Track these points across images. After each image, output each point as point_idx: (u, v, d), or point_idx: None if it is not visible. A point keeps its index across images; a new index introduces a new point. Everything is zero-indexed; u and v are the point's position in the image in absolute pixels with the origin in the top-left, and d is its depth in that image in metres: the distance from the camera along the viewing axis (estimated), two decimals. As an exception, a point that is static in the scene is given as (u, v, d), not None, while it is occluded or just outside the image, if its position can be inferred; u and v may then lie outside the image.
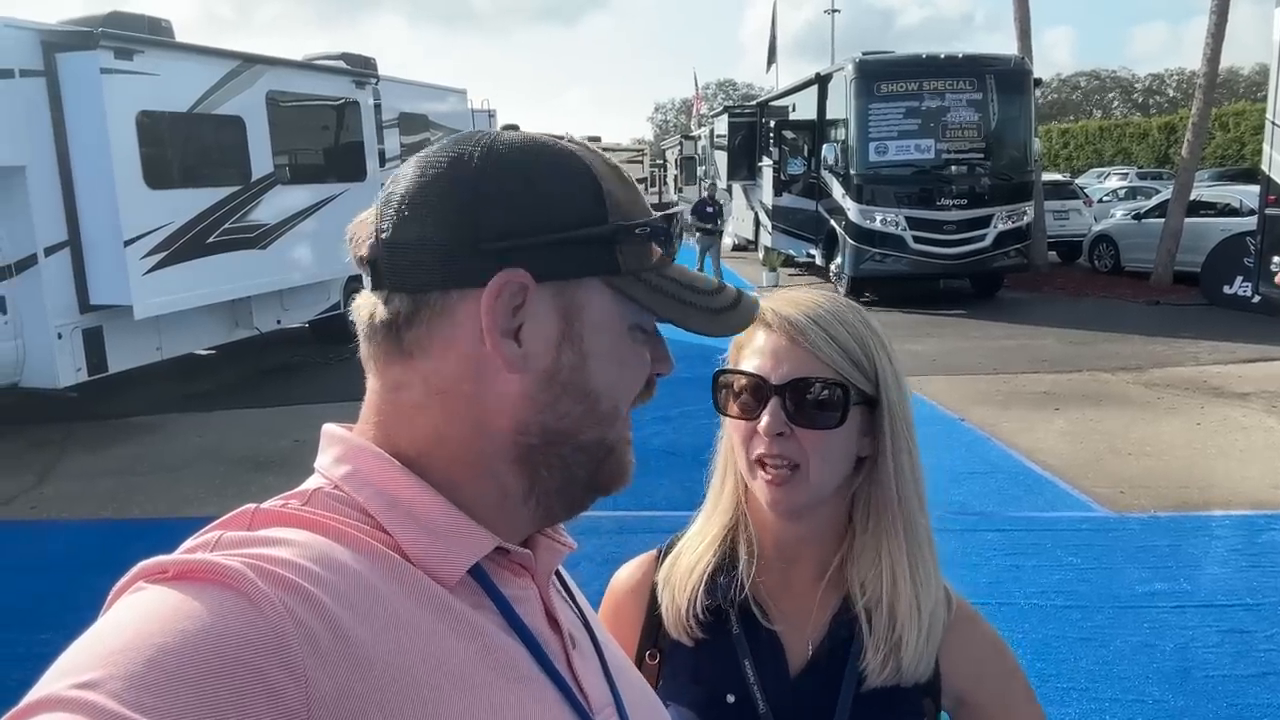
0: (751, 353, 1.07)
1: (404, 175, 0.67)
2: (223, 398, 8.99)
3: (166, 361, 8.96)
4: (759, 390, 1.05)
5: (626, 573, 1.22)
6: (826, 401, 1.02)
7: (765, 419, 1.03)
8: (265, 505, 0.63)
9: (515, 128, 0.72)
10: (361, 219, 0.69)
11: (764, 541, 1.11)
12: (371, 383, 0.69)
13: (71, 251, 7.78)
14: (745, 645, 1.07)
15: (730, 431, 1.12)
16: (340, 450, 0.67)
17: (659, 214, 0.71)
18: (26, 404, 8.11)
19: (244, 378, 10.03)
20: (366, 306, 0.68)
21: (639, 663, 1.12)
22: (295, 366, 10.28)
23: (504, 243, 0.63)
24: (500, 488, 0.67)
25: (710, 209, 16.01)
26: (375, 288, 0.66)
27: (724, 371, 1.10)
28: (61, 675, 0.48)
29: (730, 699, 1.06)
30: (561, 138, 0.70)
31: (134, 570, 0.55)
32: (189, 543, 0.58)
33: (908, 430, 1.07)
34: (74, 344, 7.84)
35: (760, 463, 1.05)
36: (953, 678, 1.09)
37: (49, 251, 7.63)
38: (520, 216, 0.64)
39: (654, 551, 1.21)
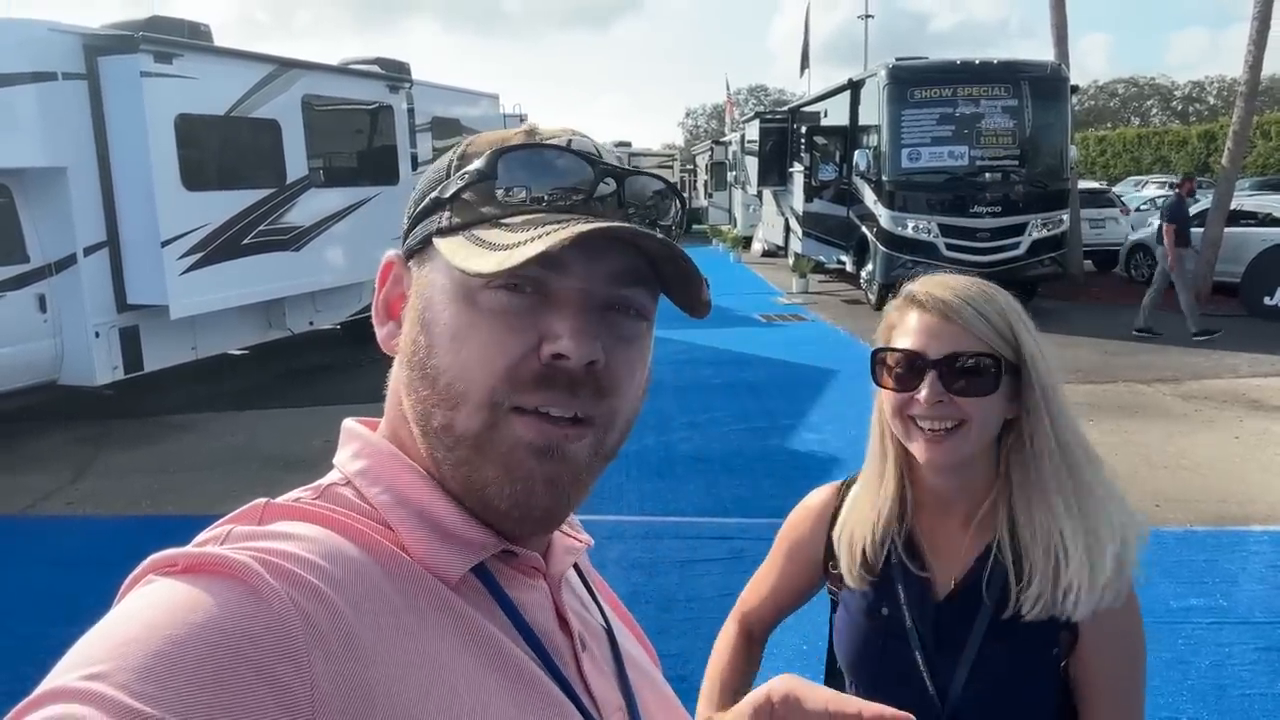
0: (904, 332, 1.22)
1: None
2: (255, 398, 9.08)
3: (201, 361, 9.08)
4: (916, 364, 1.19)
5: (810, 506, 1.43)
6: (981, 370, 1.17)
7: (925, 390, 1.17)
8: (277, 500, 0.63)
9: (522, 118, 0.71)
10: None
11: (921, 496, 1.30)
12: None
13: (110, 251, 7.92)
14: (901, 574, 1.28)
15: (885, 402, 1.25)
16: (357, 446, 0.68)
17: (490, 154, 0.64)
18: (64, 401, 8.25)
19: (276, 378, 10.13)
20: None
21: (826, 570, 1.37)
22: (327, 368, 10.37)
23: (406, 229, 0.68)
24: (470, 484, 0.64)
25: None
26: None
27: (883, 349, 1.23)
28: (71, 667, 0.48)
29: (884, 611, 1.28)
30: (558, 134, 0.68)
31: (144, 563, 0.56)
32: (201, 536, 0.59)
33: (1055, 393, 1.20)
34: (111, 343, 7.97)
35: (917, 425, 1.20)
36: (1090, 648, 1.21)
37: (88, 251, 7.76)
38: (412, 201, 0.69)
39: (832, 488, 1.42)
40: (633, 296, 0.64)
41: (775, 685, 0.70)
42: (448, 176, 0.66)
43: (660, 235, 0.62)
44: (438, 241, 0.64)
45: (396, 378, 0.68)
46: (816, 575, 1.42)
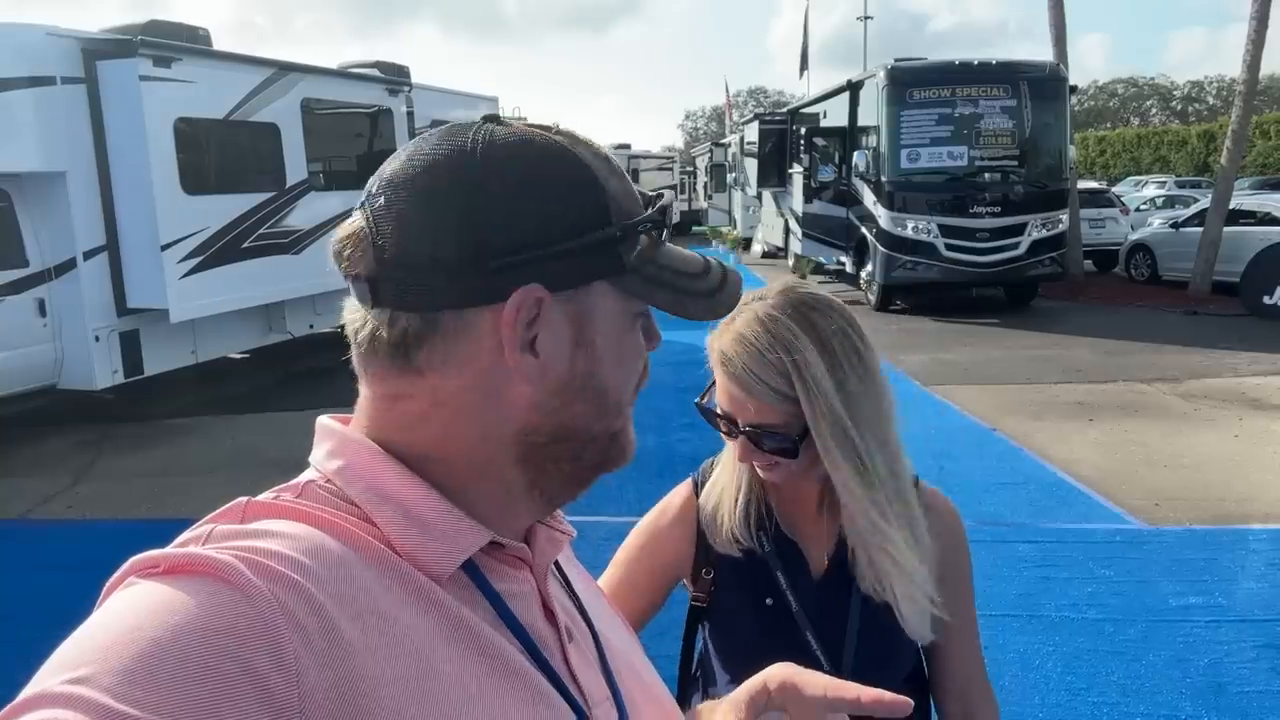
0: (720, 388, 1.27)
1: (398, 184, 0.65)
2: (255, 401, 9.09)
3: (201, 365, 9.09)
4: (729, 425, 1.27)
5: (671, 505, 1.44)
6: (780, 440, 1.23)
7: (739, 448, 1.27)
8: (257, 498, 0.63)
9: (496, 119, 0.68)
10: (351, 233, 0.66)
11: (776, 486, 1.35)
12: (365, 390, 0.69)
13: (110, 255, 7.92)
14: (776, 559, 1.32)
15: None
16: (334, 444, 0.67)
17: (653, 205, 0.70)
18: (64, 405, 8.26)
19: (276, 382, 10.14)
20: (364, 323, 0.66)
21: (695, 578, 1.38)
22: (327, 371, 10.36)
23: (515, 257, 0.62)
24: (503, 486, 0.67)
25: None
26: (376, 305, 0.64)
27: (706, 408, 1.31)
28: (54, 671, 0.48)
29: (769, 601, 1.31)
30: (550, 130, 0.69)
31: (126, 565, 0.56)
32: (182, 536, 0.59)
33: (837, 419, 1.22)
34: (111, 346, 7.98)
35: None
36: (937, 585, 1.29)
37: (88, 255, 7.77)
38: (528, 229, 0.63)
39: (689, 483, 1.44)
40: None
41: (772, 673, 0.72)
42: (602, 216, 0.66)
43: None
44: (618, 281, 0.67)
45: (497, 399, 0.65)
46: (671, 584, 1.43)
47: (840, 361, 1.22)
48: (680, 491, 1.44)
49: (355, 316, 0.67)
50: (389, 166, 0.67)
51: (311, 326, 10.37)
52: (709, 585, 1.37)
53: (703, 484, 1.42)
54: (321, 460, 0.67)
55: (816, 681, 0.70)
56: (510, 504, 0.68)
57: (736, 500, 1.35)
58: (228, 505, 0.62)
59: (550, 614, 0.70)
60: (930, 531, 1.29)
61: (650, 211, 0.69)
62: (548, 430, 0.67)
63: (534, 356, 0.64)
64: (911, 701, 0.71)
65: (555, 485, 0.70)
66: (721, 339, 1.26)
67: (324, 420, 0.70)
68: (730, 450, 1.34)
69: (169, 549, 0.56)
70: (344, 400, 0.70)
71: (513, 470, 0.67)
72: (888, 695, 0.70)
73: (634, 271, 0.67)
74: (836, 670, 1.27)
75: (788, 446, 1.23)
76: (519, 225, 0.63)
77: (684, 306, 0.70)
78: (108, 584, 0.56)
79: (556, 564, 0.79)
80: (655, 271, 0.69)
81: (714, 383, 1.29)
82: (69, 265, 7.72)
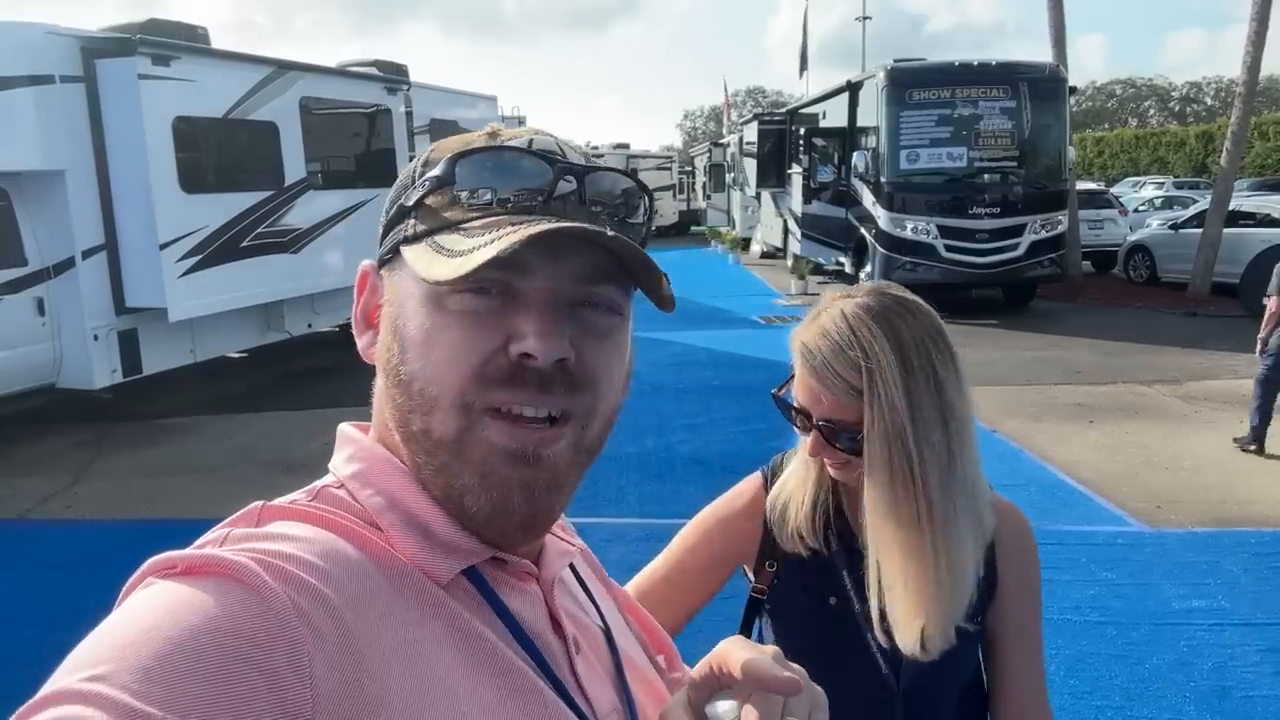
0: (798, 380, 1.28)
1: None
2: (254, 400, 9.08)
3: (200, 364, 9.08)
4: (804, 418, 1.27)
5: (740, 497, 1.44)
6: (851, 439, 1.22)
7: (810, 444, 1.27)
8: (273, 502, 0.64)
9: (521, 120, 0.71)
10: None
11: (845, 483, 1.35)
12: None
13: (108, 254, 7.91)
14: (843, 559, 1.32)
15: None
16: (351, 450, 0.69)
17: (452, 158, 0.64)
18: (63, 404, 8.24)
19: (275, 381, 10.12)
20: None
21: (758, 570, 1.38)
22: (325, 370, 10.36)
23: (380, 237, 0.68)
24: (449, 491, 0.64)
25: None
26: None
27: (783, 401, 1.32)
28: (73, 669, 0.49)
29: (833, 600, 1.32)
30: (493, 133, 0.68)
31: (144, 566, 0.56)
32: (200, 540, 0.59)
33: (897, 429, 1.19)
34: (110, 345, 7.97)
35: None
36: (1004, 599, 1.32)
37: (86, 254, 7.76)
38: (384, 209, 0.68)
39: (759, 476, 1.44)
40: (602, 293, 0.64)
41: (714, 651, 0.69)
42: (412, 184, 0.66)
43: (612, 232, 0.61)
44: (405, 250, 0.64)
45: (378, 385, 0.69)
46: (730, 574, 1.44)
47: (915, 370, 1.20)
48: (750, 484, 1.44)
49: None
50: None
51: (310, 326, 10.37)
52: (770, 578, 1.37)
53: (773, 478, 1.41)
54: (340, 466, 0.69)
55: (740, 656, 0.64)
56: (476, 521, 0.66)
57: (805, 498, 1.35)
58: (244, 509, 0.63)
59: (558, 625, 0.70)
60: (999, 544, 1.31)
61: (436, 168, 0.64)
62: (394, 424, 0.66)
63: (375, 336, 0.68)
64: (799, 683, 0.63)
65: (457, 513, 0.63)
66: (806, 331, 1.26)
67: (344, 427, 0.71)
68: (803, 446, 1.33)
69: (186, 550, 0.56)
70: (343, 400, 0.70)
71: (432, 481, 0.65)
72: (783, 674, 0.60)
73: (426, 239, 0.63)
74: (895, 675, 1.29)
75: (858, 445, 1.22)
76: (385, 212, 0.69)
77: (431, 265, 0.61)
78: (126, 584, 0.57)
79: (577, 576, 0.79)
80: (447, 238, 0.62)
81: (793, 375, 1.29)
82: (68, 264, 7.70)
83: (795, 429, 1.31)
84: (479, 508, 0.62)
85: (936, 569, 1.20)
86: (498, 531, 0.64)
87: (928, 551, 1.19)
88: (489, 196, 0.63)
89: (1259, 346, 6.84)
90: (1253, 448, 6.56)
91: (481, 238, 0.60)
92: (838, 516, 1.34)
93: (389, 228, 0.68)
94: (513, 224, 0.60)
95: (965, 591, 1.22)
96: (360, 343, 0.70)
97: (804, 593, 1.34)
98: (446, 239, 0.62)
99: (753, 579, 1.40)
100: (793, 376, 1.30)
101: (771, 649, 0.66)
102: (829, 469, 1.30)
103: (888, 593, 1.23)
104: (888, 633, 1.24)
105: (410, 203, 0.65)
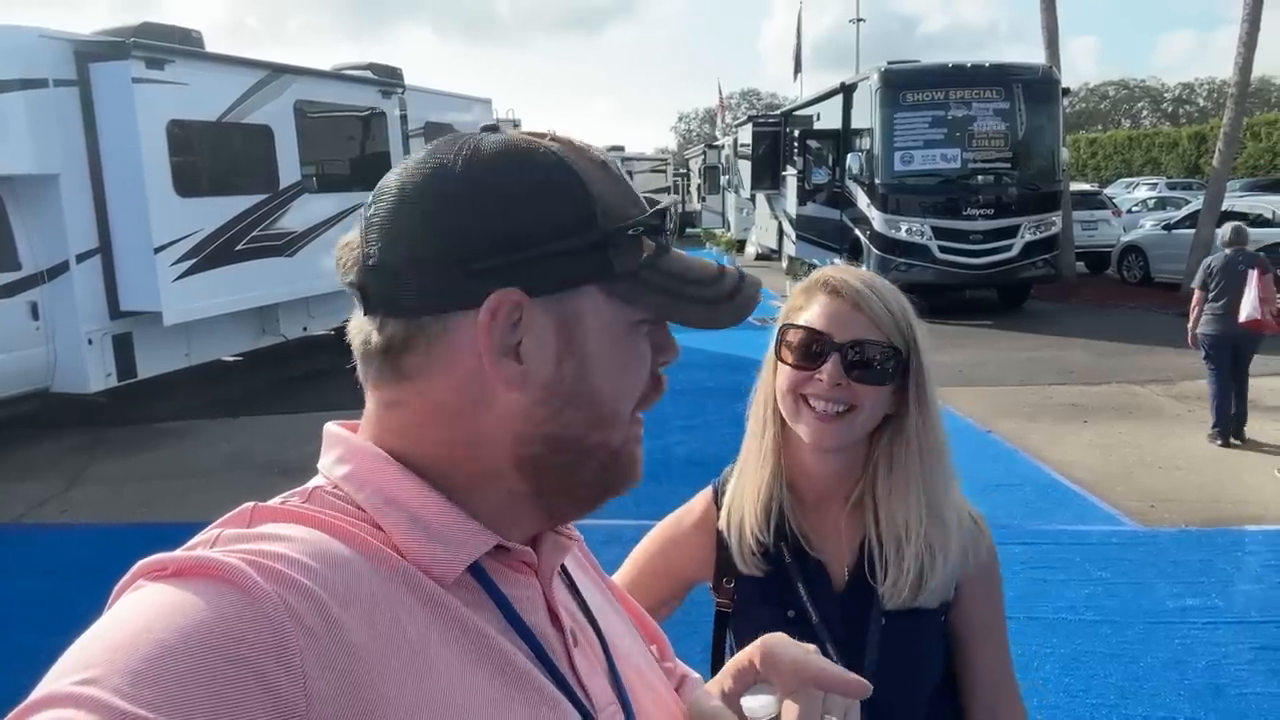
0: (812, 314, 1.26)
1: (386, 193, 0.65)
2: (249, 404, 9.07)
3: (195, 367, 9.06)
4: (821, 345, 1.24)
5: (690, 514, 1.45)
6: (881, 360, 1.23)
7: (827, 370, 1.22)
8: (264, 504, 0.64)
9: (495, 128, 0.70)
10: (347, 242, 0.67)
11: (799, 485, 1.35)
12: (367, 397, 0.70)
13: (103, 258, 7.89)
14: (797, 571, 1.32)
15: (779, 378, 1.29)
16: (341, 450, 0.68)
17: (651, 209, 0.69)
18: (57, 409, 8.22)
19: (270, 384, 10.11)
20: (360, 331, 0.67)
21: (718, 587, 1.38)
22: (321, 373, 10.34)
23: (495, 260, 0.62)
24: (508, 491, 0.67)
25: None
26: (367, 313, 0.66)
27: (791, 326, 1.27)
28: (64, 673, 0.49)
29: (790, 614, 1.31)
30: (544, 136, 0.68)
31: (135, 568, 0.56)
32: (190, 541, 0.59)
33: (932, 397, 1.28)
34: (104, 349, 7.95)
35: (809, 404, 1.25)
36: (967, 600, 1.33)
37: (80, 258, 7.74)
38: (509, 232, 0.63)
39: (709, 491, 1.44)
40: None
41: (757, 645, 0.71)
42: (590, 213, 0.64)
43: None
44: (601, 284, 0.66)
45: (486, 405, 0.65)
46: (688, 588, 1.44)
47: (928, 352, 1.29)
48: (700, 499, 1.45)
49: (355, 324, 0.68)
50: (386, 175, 0.68)
51: (305, 329, 10.35)
52: (731, 594, 1.38)
53: (722, 492, 1.41)
54: (329, 466, 0.68)
55: (790, 654, 0.70)
56: (514, 511, 0.68)
57: (757, 507, 1.34)
58: (235, 510, 0.62)
59: (555, 618, 0.70)
60: (965, 538, 1.32)
61: (643, 215, 0.68)
62: (540, 439, 0.66)
63: (517, 362, 0.64)
64: (869, 685, 0.71)
65: (557, 499, 0.69)
66: (833, 272, 1.28)
67: (331, 427, 0.71)
68: (753, 454, 1.35)
69: (176, 552, 0.56)
70: (338, 403, 0.70)
71: (513, 478, 0.67)
72: (850, 676, 0.69)
73: (628, 276, 0.66)
74: None
75: (888, 368, 1.23)
76: (498, 229, 0.63)
77: (680, 312, 0.69)
78: (116, 587, 0.57)
79: (564, 569, 0.79)
80: (653, 277, 0.67)
81: (786, 325, 1.28)
82: (62, 268, 7.68)
83: (786, 364, 1.27)
84: (577, 511, 0.72)
85: (945, 508, 1.28)
86: (548, 525, 0.71)
87: (940, 492, 1.27)
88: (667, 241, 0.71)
89: (1189, 339, 7.03)
90: (1219, 442, 6.66)
91: (714, 288, 0.70)
92: (788, 526, 1.34)
93: (548, 256, 0.63)
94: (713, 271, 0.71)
95: (956, 548, 1.28)
96: (511, 372, 0.64)
97: (764, 606, 1.34)
98: (682, 287, 0.69)
99: (715, 595, 1.41)
100: (785, 325, 1.30)
101: (810, 646, 0.69)
102: (814, 427, 1.25)
103: (917, 529, 1.25)
104: (846, 641, 1.29)
105: (605, 239, 0.65)
